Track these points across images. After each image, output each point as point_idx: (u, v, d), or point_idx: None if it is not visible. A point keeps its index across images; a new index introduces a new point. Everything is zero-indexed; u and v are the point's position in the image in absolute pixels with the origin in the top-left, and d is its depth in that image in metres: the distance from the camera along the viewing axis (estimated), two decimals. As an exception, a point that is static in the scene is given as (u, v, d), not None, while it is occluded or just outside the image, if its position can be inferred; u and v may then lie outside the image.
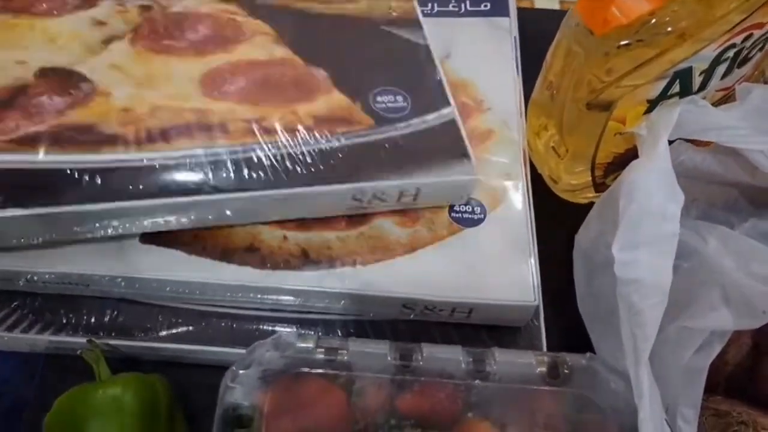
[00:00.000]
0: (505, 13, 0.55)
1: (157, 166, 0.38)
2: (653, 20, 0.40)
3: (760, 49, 0.45)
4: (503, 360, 0.39)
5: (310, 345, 0.39)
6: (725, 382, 0.42)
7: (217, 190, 0.39)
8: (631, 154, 0.42)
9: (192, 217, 0.40)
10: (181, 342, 0.42)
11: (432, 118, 0.45)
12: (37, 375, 0.44)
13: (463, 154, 0.43)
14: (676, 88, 0.43)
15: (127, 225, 0.39)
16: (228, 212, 0.40)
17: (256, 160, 0.40)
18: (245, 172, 0.40)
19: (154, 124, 0.40)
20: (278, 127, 0.42)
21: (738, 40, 0.42)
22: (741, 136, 0.41)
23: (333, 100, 0.44)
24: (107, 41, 0.44)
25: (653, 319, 0.35)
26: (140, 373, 0.40)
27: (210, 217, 0.40)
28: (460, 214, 0.45)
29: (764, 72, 0.50)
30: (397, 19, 0.50)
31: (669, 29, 0.40)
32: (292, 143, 0.41)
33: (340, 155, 0.41)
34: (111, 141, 0.39)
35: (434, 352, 0.39)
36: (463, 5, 0.55)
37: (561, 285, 0.44)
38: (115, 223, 0.38)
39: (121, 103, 0.41)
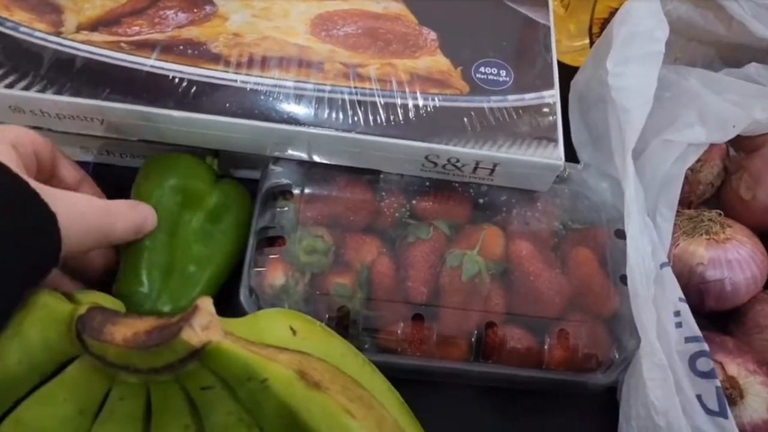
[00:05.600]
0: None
1: (248, 89, 0.41)
2: None
3: None
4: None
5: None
6: (698, 200, 0.50)
7: (295, 122, 0.40)
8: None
9: (268, 145, 0.42)
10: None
11: (530, 98, 0.44)
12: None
13: (551, 139, 0.42)
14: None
15: (206, 138, 0.41)
16: (302, 146, 0.42)
17: (340, 102, 0.41)
18: (326, 110, 0.41)
19: (257, 51, 0.42)
20: (372, 75, 0.43)
21: None
22: (721, -15, 0.47)
23: (435, 61, 0.44)
24: (241, -29, 0.47)
25: (639, 116, 0.43)
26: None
27: (289, 150, 0.42)
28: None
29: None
30: (526, -3, 0.49)
31: None
32: (379, 93, 0.42)
33: (424, 114, 0.42)
34: (214, 59, 0.42)
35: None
36: None
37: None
38: (196, 132, 0.41)
39: (234, 27, 0.44)
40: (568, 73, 0.53)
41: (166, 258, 0.40)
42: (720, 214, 0.46)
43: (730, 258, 0.44)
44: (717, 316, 0.46)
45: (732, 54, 0.55)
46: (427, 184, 0.44)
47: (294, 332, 0.34)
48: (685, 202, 0.49)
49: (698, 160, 0.47)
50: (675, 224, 0.45)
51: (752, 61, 0.52)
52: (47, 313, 0.31)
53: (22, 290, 0.30)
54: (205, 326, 0.30)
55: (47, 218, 0.30)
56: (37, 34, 0.41)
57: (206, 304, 0.30)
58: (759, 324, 0.43)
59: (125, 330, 0.30)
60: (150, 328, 0.30)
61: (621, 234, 0.43)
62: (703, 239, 0.44)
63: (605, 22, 0.55)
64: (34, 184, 0.30)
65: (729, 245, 0.44)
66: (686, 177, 0.47)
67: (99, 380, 0.30)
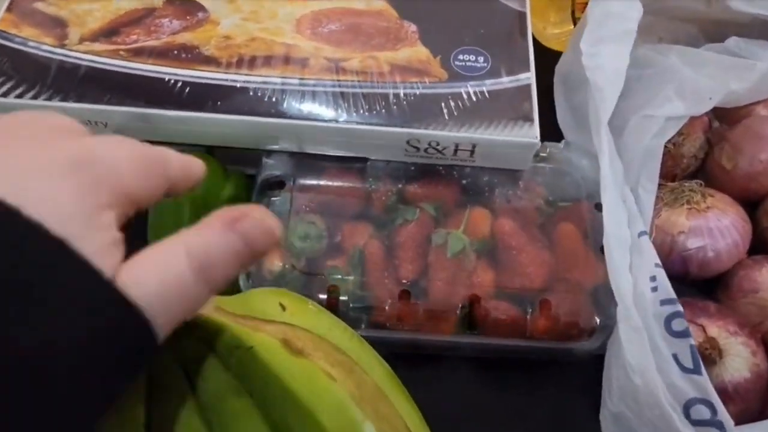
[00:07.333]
0: None
1: (238, 87, 0.44)
2: None
3: None
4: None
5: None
6: (683, 173, 0.51)
7: (283, 115, 0.43)
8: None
9: (259, 139, 0.45)
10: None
11: (507, 81, 0.46)
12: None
13: (528, 118, 0.44)
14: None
15: (202, 135, 0.44)
16: (291, 138, 0.44)
17: (324, 95, 0.44)
18: (312, 103, 0.43)
19: (246, 51, 0.45)
20: (355, 68, 0.45)
21: None
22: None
23: (415, 52, 0.47)
24: (231, -22, 0.50)
25: (612, 93, 0.44)
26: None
27: (280, 143, 0.45)
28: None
29: None
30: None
31: None
32: (362, 85, 0.44)
33: (404, 102, 0.44)
34: (206, 61, 0.45)
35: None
36: None
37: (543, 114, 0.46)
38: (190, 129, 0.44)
39: (224, 31, 0.47)
40: (556, 59, 0.55)
41: None
42: (701, 184, 0.47)
43: (711, 226, 0.45)
44: (703, 284, 0.47)
45: (715, 30, 0.55)
46: (413, 168, 0.46)
47: (283, 308, 0.37)
48: (670, 176, 0.50)
49: (681, 134, 0.49)
50: (657, 196, 0.46)
51: (734, 36, 0.53)
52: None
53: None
54: (195, 301, 0.32)
55: (129, 319, 0.22)
56: (44, 47, 0.45)
57: (197, 281, 0.33)
58: (743, 288, 0.45)
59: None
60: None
61: (601, 207, 0.44)
62: (684, 209, 0.46)
63: (586, 5, 0.57)
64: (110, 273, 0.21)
65: (710, 213, 0.45)
66: (669, 151, 0.49)
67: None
